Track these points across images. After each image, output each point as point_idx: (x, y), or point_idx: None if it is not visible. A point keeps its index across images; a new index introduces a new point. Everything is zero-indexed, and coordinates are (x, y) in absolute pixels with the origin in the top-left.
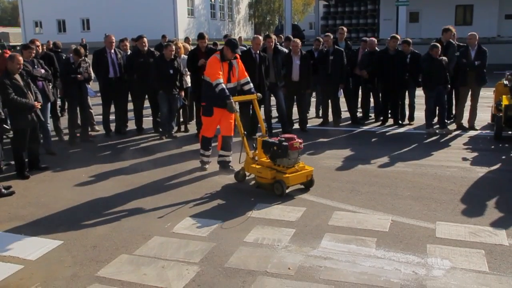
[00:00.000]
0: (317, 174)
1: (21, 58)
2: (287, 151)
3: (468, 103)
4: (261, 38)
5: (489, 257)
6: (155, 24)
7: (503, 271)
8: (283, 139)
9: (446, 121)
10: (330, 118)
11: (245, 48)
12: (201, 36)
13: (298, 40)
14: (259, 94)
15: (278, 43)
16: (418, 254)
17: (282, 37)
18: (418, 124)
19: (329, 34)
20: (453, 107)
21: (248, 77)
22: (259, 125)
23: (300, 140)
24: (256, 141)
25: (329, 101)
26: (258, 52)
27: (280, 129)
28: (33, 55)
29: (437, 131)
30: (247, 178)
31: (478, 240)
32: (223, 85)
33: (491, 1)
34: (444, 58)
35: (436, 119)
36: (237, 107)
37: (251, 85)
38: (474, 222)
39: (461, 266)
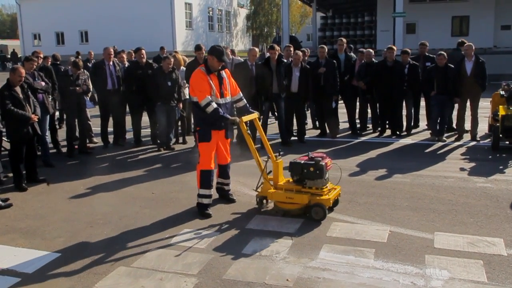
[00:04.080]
0: None
1: (23, 71)
2: (324, 171)
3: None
4: (257, 49)
5: (488, 268)
6: (153, 36)
7: (502, 281)
8: (319, 158)
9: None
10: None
11: (241, 60)
12: (198, 48)
13: (299, 52)
14: (257, 113)
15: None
16: (417, 264)
17: (280, 48)
18: (416, 134)
19: (323, 46)
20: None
21: (241, 93)
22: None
23: (330, 158)
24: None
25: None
26: (254, 63)
27: (278, 140)
28: (35, 67)
29: (436, 138)
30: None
31: (476, 250)
32: (214, 104)
33: (487, 12)
34: (453, 66)
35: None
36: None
37: (245, 101)
38: (472, 232)
39: (460, 277)
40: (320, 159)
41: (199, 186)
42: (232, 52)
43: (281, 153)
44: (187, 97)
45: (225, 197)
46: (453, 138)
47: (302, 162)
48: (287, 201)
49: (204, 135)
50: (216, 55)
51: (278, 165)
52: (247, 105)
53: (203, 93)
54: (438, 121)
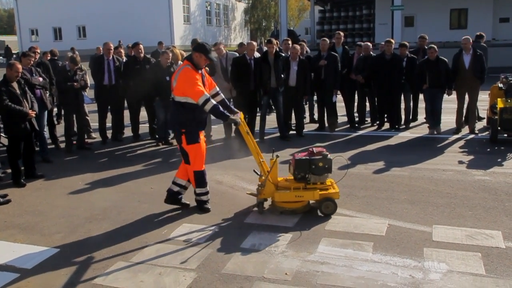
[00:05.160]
0: None
1: (20, 66)
2: (332, 165)
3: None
4: (255, 43)
5: (486, 260)
6: (151, 31)
7: (500, 273)
8: (326, 153)
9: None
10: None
11: (236, 54)
12: (194, 42)
13: (297, 46)
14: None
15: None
16: (415, 257)
17: (278, 42)
18: (414, 128)
19: (326, 38)
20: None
21: (217, 87)
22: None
23: (328, 152)
24: (272, 163)
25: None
26: (252, 57)
27: (277, 134)
28: (32, 62)
29: (435, 132)
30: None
31: (475, 243)
32: (213, 100)
33: (486, 5)
34: (445, 59)
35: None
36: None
37: (222, 95)
38: (470, 225)
39: (458, 269)
40: (327, 153)
41: (194, 186)
42: (241, 44)
43: (274, 150)
44: None
45: (176, 202)
46: (451, 131)
47: (310, 158)
48: (295, 200)
49: (193, 137)
50: (205, 53)
51: (275, 164)
52: (225, 100)
53: (199, 89)
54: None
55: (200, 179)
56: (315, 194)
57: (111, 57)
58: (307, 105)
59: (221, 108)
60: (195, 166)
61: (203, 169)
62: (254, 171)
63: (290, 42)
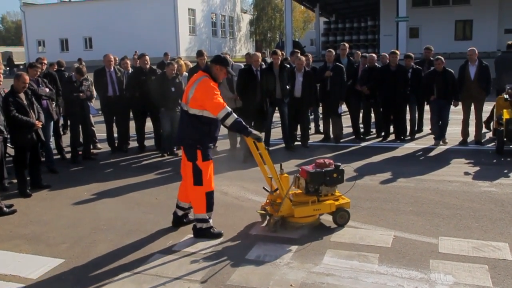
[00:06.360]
0: None
1: (27, 77)
2: (344, 175)
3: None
4: (258, 54)
5: (493, 272)
6: (157, 42)
7: (507, 286)
8: (339, 164)
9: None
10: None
11: (241, 65)
12: (200, 54)
13: (303, 58)
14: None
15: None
16: (421, 269)
17: (284, 53)
18: (420, 139)
19: (331, 50)
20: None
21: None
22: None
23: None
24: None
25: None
26: (258, 68)
27: (282, 145)
28: (39, 73)
29: (441, 143)
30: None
31: (482, 255)
32: (235, 114)
33: (491, 16)
34: (451, 70)
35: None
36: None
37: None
38: (477, 237)
39: (465, 282)
40: (339, 164)
41: (205, 210)
42: (248, 54)
43: (281, 165)
44: None
45: (182, 223)
46: (457, 142)
47: (324, 170)
48: (313, 214)
49: (208, 153)
50: (226, 66)
51: (287, 180)
52: None
53: (219, 101)
54: (440, 124)
55: (211, 200)
56: (332, 206)
57: (112, 68)
58: (313, 116)
59: (243, 123)
60: (208, 187)
61: (213, 190)
62: (264, 188)
63: (299, 54)
